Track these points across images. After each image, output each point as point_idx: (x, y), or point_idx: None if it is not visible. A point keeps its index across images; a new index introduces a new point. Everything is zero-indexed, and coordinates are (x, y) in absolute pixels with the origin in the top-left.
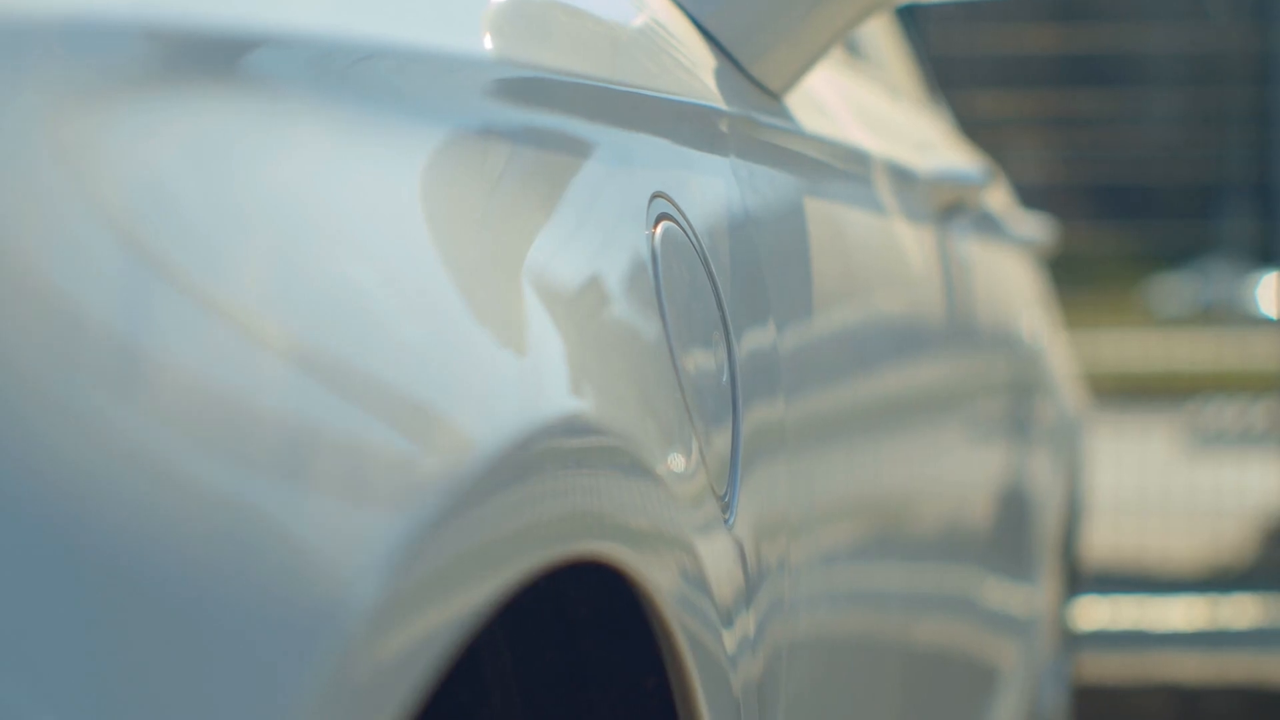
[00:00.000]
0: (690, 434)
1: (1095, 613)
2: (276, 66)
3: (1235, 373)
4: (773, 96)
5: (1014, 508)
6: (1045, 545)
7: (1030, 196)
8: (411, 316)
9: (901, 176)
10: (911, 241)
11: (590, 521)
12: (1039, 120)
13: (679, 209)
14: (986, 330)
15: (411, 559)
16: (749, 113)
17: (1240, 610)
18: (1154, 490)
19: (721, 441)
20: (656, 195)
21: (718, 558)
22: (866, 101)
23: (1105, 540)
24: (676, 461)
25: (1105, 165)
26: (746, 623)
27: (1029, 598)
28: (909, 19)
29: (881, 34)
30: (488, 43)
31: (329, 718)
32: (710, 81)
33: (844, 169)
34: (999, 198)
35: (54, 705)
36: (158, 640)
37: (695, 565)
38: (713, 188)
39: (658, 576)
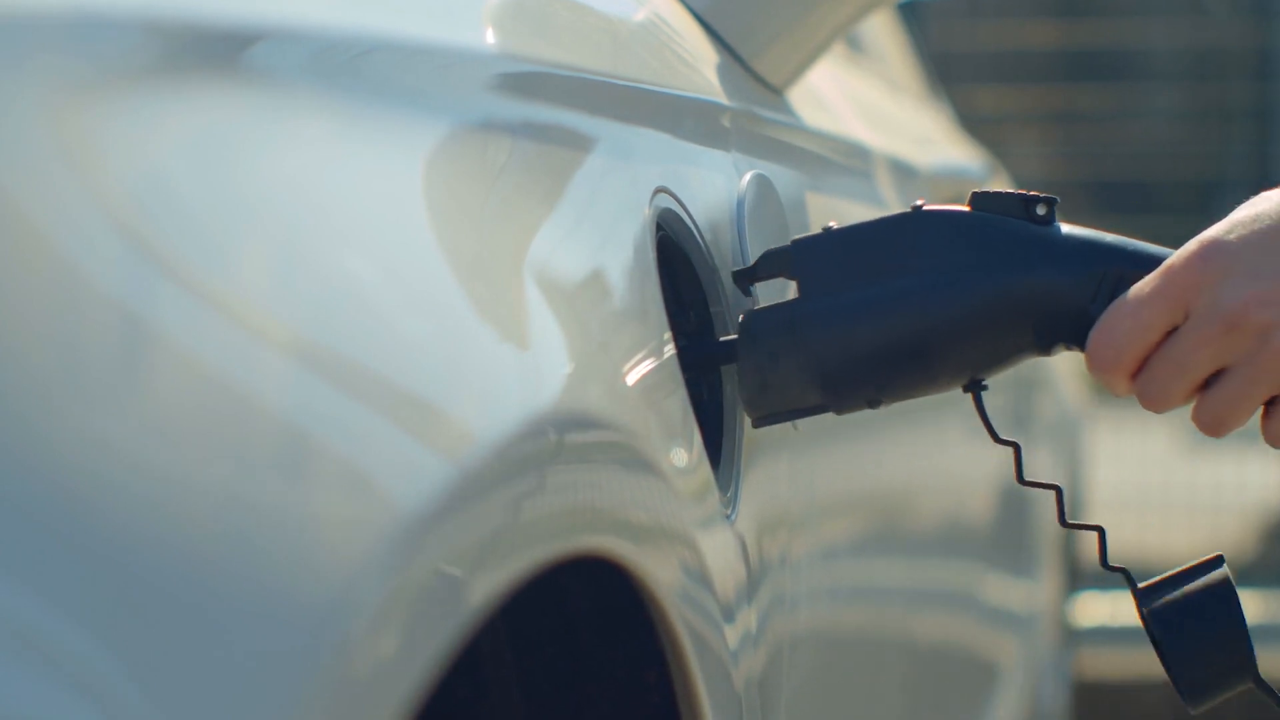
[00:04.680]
0: (692, 429)
1: (1095, 609)
2: (278, 60)
3: None
4: (774, 91)
5: (1014, 503)
6: (1045, 541)
7: None
8: (413, 311)
9: (903, 172)
10: None
11: (592, 516)
12: (1040, 116)
13: (681, 203)
14: None
15: (413, 554)
16: (751, 108)
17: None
18: (1154, 486)
19: (724, 436)
20: (658, 190)
21: (719, 553)
22: (868, 97)
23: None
24: (678, 456)
25: (1106, 161)
26: (748, 618)
27: (1029, 593)
28: (910, 14)
29: (883, 29)
30: (489, 37)
31: (331, 714)
32: (712, 76)
33: (845, 164)
34: None
35: (57, 702)
36: (160, 636)
37: (697, 560)
38: (714, 182)
39: (659, 571)
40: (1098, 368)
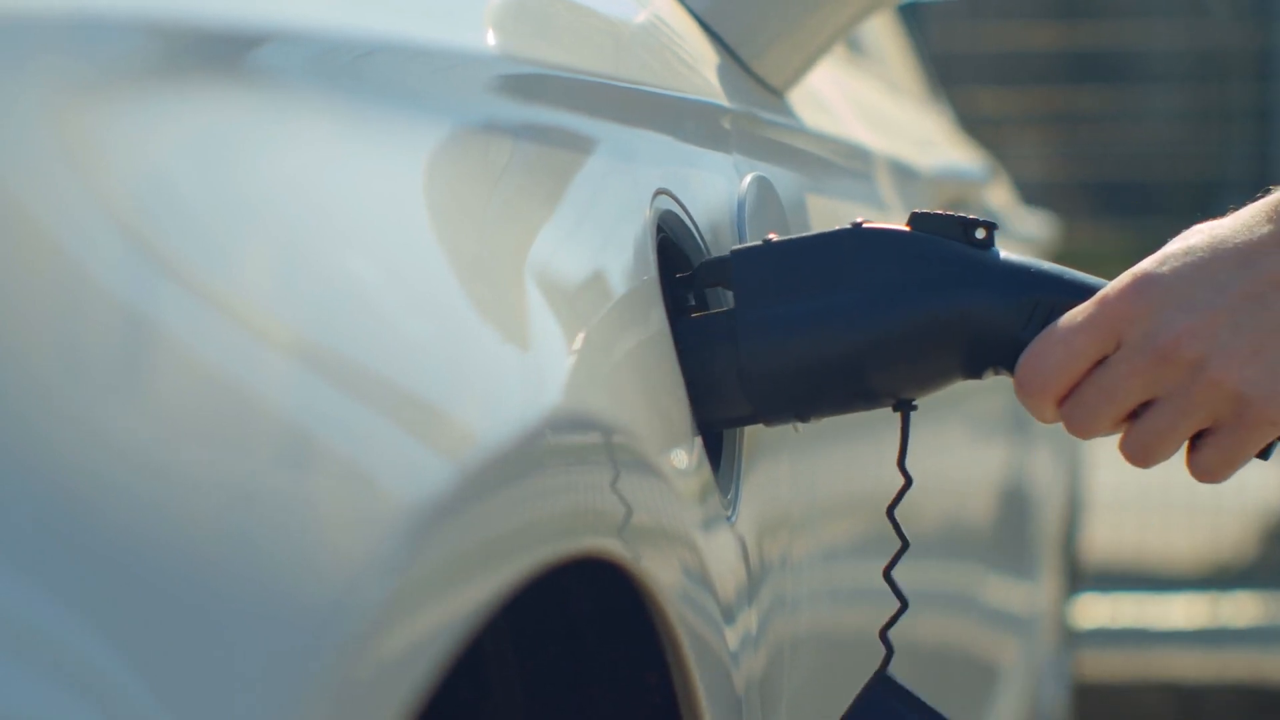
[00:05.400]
0: (693, 430)
1: (1095, 610)
2: (280, 61)
3: None
4: (775, 93)
5: (1015, 505)
6: (1046, 542)
7: (1031, 193)
8: (415, 312)
9: (903, 173)
10: None
11: (593, 518)
12: (1040, 117)
13: (682, 205)
14: None
15: (415, 556)
16: (751, 109)
17: (1241, 608)
18: (1154, 487)
19: (724, 437)
20: (659, 192)
21: (720, 554)
22: (869, 98)
23: (1105, 537)
24: (679, 458)
25: (1106, 162)
26: (749, 619)
27: (1029, 595)
28: (911, 16)
29: (883, 31)
30: (490, 38)
31: (334, 715)
32: (713, 78)
33: (846, 166)
34: (1000, 195)
35: (59, 702)
36: (162, 636)
37: (697, 561)
38: (715, 184)
39: (660, 573)
40: (1026, 392)
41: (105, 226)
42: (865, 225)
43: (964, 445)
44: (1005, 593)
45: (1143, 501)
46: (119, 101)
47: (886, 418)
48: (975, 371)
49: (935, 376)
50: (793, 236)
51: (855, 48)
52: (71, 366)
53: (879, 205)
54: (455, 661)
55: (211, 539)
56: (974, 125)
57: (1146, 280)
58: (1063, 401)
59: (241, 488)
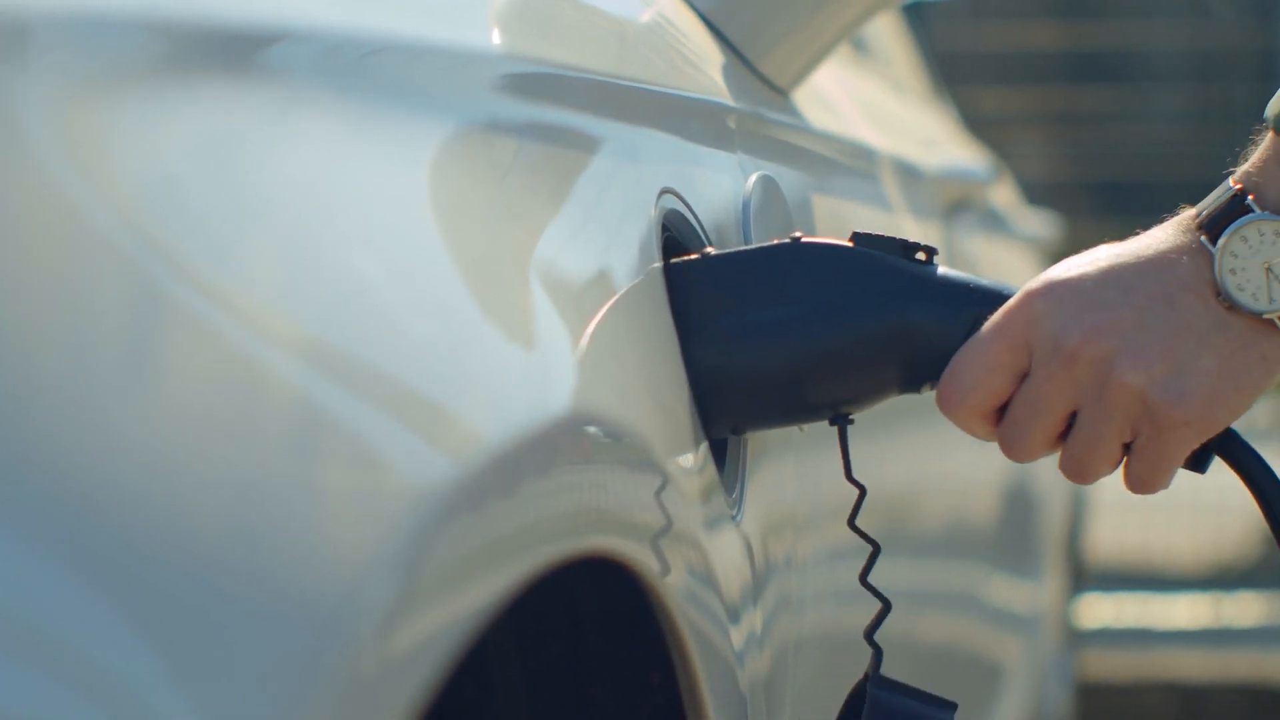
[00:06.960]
0: (699, 430)
1: (1099, 610)
2: (286, 60)
3: None
4: (780, 93)
5: (1018, 505)
6: (1049, 542)
7: (1035, 193)
8: (420, 311)
9: (908, 173)
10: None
11: (598, 517)
12: (1044, 117)
13: (687, 204)
14: None
15: (421, 556)
16: (757, 109)
17: (1244, 608)
18: None
19: (730, 438)
20: (664, 191)
21: (725, 554)
22: (873, 98)
23: (1109, 537)
24: (685, 457)
25: (1110, 162)
26: (753, 619)
27: (1033, 595)
28: (915, 16)
29: (888, 31)
30: (496, 37)
31: (338, 715)
32: (718, 77)
33: (851, 165)
34: (1005, 194)
35: (61, 702)
36: (165, 636)
37: (703, 561)
38: (720, 183)
39: (665, 572)
40: (943, 405)
41: (111, 224)
42: (804, 239)
43: (967, 445)
44: (1009, 592)
45: (1146, 501)
46: (125, 100)
47: (892, 417)
48: (913, 385)
49: (872, 390)
50: (731, 250)
51: (860, 47)
52: (78, 363)
53: (884, 205)
54: (460, 660)
55: (218, 538)
56: (977, 125)
57: (1050, 283)
58: (997, 425)
59: (248, 486)
